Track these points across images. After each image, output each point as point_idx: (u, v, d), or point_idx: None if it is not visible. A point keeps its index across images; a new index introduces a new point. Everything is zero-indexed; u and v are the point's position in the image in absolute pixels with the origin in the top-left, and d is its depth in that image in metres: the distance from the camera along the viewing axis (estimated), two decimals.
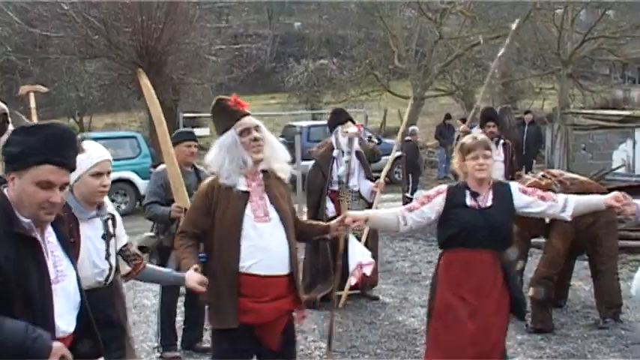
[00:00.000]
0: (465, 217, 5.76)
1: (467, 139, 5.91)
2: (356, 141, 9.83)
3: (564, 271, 9.56)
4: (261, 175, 5.31)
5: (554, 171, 9.89)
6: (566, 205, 5.73)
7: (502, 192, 5.85)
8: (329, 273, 9.61)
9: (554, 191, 8.68)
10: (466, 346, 5.62)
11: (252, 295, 5.11)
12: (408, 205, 6.02)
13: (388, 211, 6.09)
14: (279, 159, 5.40)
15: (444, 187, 6.00)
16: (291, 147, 21.69)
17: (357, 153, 10.01)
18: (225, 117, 5.36)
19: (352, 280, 7.14)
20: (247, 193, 5.20)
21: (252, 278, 5.09)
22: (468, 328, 5.62)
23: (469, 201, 5.79)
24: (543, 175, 9.22)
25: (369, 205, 9.81)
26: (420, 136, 25.75)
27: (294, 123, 28.55)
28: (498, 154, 11.20)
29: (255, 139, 5.22)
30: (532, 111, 28.77)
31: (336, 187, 10.06)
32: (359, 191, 10.07)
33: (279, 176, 5.45)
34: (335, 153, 10.10)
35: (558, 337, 8.70)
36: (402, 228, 5.90)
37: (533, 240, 10.01)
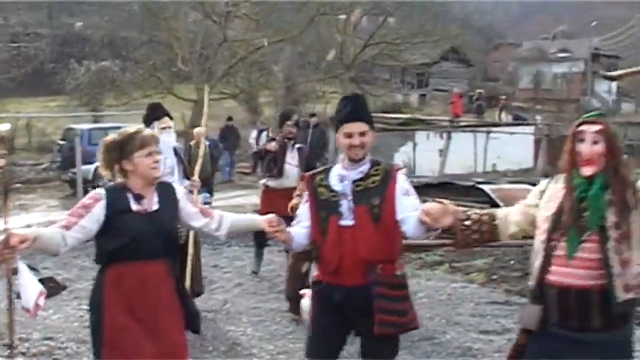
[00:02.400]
0: (132, 225, 4.97)
1: (136, 133, 5.12)
2: (172, 137, 9.44)
3: None
4: None
5: None
6: (221, 224, 5.34)
7: (168, 193, 5.24)
8: None
9: None
10: None
11: None
12: (64, 221, 4.97)
13: (53, 229, 4.99)
14: None
15: (100, 192, 5.07)
16: (71, 150, 21.20)
17: (175, 150, 9.55)
18: None
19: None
20: None
21: None
22: (148, 351, 4.92)
23: (134, 205, 5.04)
24: None
25: None
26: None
27: (75, 126, 27.60)
28: (293, 158, 11.13)
29: None
30: (317, 114, 29.07)
31: None
32: None
33: None
34: None
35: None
36: (62, 249, 4.90)
37: None
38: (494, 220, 4.66)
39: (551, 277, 4.20)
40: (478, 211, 4.86)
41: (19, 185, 25.74)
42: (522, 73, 71.40)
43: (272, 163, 11.33)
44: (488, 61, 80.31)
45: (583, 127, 4.23)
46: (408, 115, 35.16)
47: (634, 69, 4.75)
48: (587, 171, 4.17)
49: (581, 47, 76.60)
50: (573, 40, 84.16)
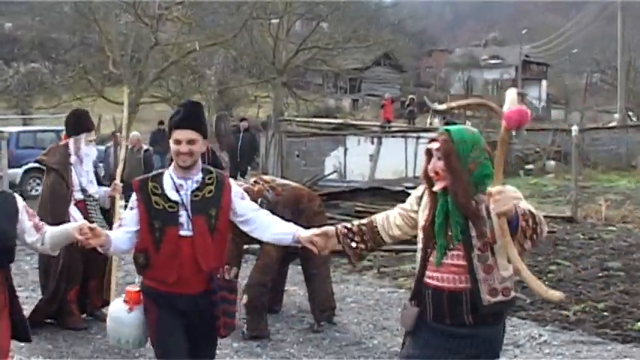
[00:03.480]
0: None
1: None
2: (95, 150, 9.38)
3: (279, 277, 9.58)
4: None
5: (266, 177, 9.86)
6: (44, 239, 5.15)
7: (6, 204, 5.11)
8: None
9: (266, 197, 8.71)
10: None
11: None
12: None
13: None
14: None
15: None
16: None
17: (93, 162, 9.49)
18: None
19: None
20: None
21: None
22: None
23: None
24: (255, 181, 9.19)
25: (108, 212, 9.35)
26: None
27: (3, 129, 27.19)
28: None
29: None
30: (247, 118, 29.04)
31: (81, 196, 9.17)
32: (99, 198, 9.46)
33: None
34: (72, 160, 9.19)
35: (274, 342, 8.69)
36: None
37: (247, 246, 9.95)
38: (375, 227, 4.84)
39: (428, 280, 4.51)
40: (355, 221, 4.97)
41: None
42: (454, 79, 72.22)
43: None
44: (420, 67, 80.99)
45: (432, 144, 4.43)
46: (340, 120, 35.19)
47: (463, 101, 4.89)
48: (437, 185, 4.39)
49: (512, 54, 77.83)
50: (505, 47, 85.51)
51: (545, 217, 4.60)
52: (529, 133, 31.04)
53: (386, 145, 26.62)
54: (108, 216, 9.29)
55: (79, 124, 9.34)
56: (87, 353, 8.37)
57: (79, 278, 9.22)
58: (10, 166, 14.88)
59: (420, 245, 4.57)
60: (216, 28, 38.94)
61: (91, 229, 4.92)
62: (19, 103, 42.42)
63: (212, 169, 5.42)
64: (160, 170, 5.49)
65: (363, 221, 4.92)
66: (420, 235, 4.56)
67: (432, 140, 4.44)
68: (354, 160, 26.62)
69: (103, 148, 19.85)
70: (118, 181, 9.43)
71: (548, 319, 9.50)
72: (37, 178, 20.44)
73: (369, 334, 9.06)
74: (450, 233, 4.37)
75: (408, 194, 15.62)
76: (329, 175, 24.86)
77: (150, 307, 5.30)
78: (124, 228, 5.27)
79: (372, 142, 26.89)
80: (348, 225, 4.91)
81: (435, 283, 4.45)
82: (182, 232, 5.16)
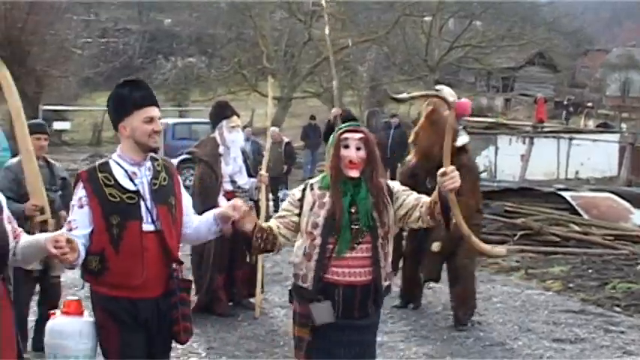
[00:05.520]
0: None
1: None
2: (241, 135, 9.55)
3: (415, 271, 9.57)
4: None
5: None
6: (17, 250, 4.25)
7: None
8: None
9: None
10: None
11: None
12: None
13: None
14: None
15: None
16: None
17: (242, 150, 9.60)
18: None
19: None
20: None
21: None
22: None
23: None
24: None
25: (256, 203, 9.46)
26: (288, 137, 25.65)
27: (161, 120, 28.09)
28: None
29: None
30: (398, 115, 29.00)
31: (230, 187, 9.28)
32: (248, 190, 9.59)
33: None
34: (221, 150, 9.31)
35: (418, 338, 8.71)
36: None
37: None
38: (273, 232, 4.71)
39: (335, 277, 4.58)
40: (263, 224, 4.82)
41: None
42: (610, 79, 70.28)
43: None
44: (575, 67, 79.17)
45: (347, 135, 4.64)
46: (492, 119, 34.82)
47: (419, 93, 4.92)
48: (352, 173, 4.58)
49: None
50: None
51: None
52: None
53: (538, 145, 26.22)
54: (256, 207, 9.30)
55: (218, 113, 9.52)
56: (233, 339, 8.56)
57: (226, 266, 9.42)
58: (166, 156, 15.31)
59: (316, 241, 4.58)
60: (369, 24, 39.10)
61: (69, 240, 4.07)
62: (176, 96, 43.59)
63: (156, 155, 4.87)
64: (103, 159, 4.83)
65: (266, 224, 4.78)
66: (317, 231, 4.58)
67: (349, 131, 4.65)
68: (505, 160, 26.35)
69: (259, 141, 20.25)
70: (264, 171, 9.45)
71: None
72: (192, 169, 20.92)
73: (514, 335, 8.96)
74: (357, 226, 4.55)
75: (559, 195, 15.38)
76: (480, 173, 24.67)
77: (106, 324, 4.66)
78: (77, 232, 4.53)
79: (524, 142, 26.54)
80: (265, 228, 4.69)
81: (347, 280, 4.57)
82: (145, 227, 4.61)
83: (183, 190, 4.91)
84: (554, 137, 27.71)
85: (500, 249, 5.01)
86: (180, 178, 4.99)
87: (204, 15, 47.66)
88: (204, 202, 8.86)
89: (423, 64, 38.58)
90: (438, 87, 4.76)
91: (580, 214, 15.89)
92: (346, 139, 4.62)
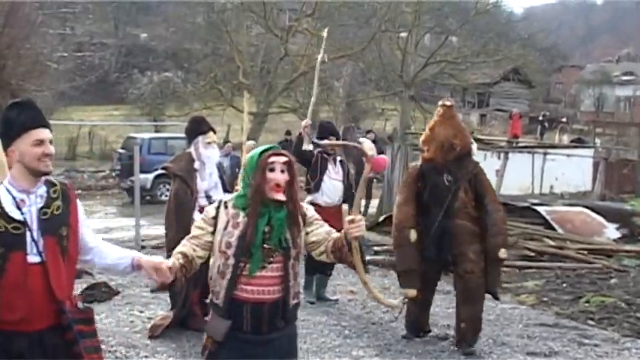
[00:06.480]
0: None
1: None
2: (217, 152, 9.52)
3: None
4: None
5: None
6: None
7: None
8: None
9: None
10: None
11: None
12: None
13: None
14: None
15: None
16: (131, 158, 21.55)
17: (217, 165, 9.56)
18: None
19: None
20: None
21: None
22: None
23: None
24: None
25: None
26: None
27: (135, 135, 28.05)
28: (337, 173, 10.91)
29: None
30: (373, 130, 29.11)
31: (205, 203, 8.99)
32: None
33: None
34: (197, 165, 9.28)
35: (393, 352, 8.72)
36: None
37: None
38: (189, 260, 4.70)
39: (244, 295, 4.62)
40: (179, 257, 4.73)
41: (79, 191, 26.16)
42: (584, 95, 70.79)
43: (309, 175, 11.08)
44: (550, 83, 79.71)
45: (273, 159, 4.69)
46: None
47: (337, 142, 5.26)
48: (279, 196, 4.64)
49: None
50: (639, 63, 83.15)
51: None
52: None
53: (512, 160, 26.30)
54: None
55: (194, 129, 9.48)
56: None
57: (201, 281, 9.38)
58: (142, 171, 15.33)
59: (230, 261, 4.61)
60: (345, 40, 39.19)
61: None
62: (152, 110, 43.55)
63: (55, 179, 4.66)
64: None
65: (178, 252, 4.71)
66: (230, 251, 4.61)
67: (275, 155, 4.70)
68: None
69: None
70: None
71: None
72: (167, 184, 20.99)
73: (489, 348, 8.99)
74: (268, 246, 4.61)
75: (534, 210, 15.48)
76: None
77: None
78: None
79: (499, 157, 26.64)
80: (182, 261, 4.67)
81: (256, 297, 4.62)
82: (30, 259, 4.35)
83: (82, 216, 4.66)
84: (528, 152, 27.84)
85: (394, 301, 5.53)
86: (79, 203, 4.70)
87: (181, 30, 47.58)
88: (180, 217, 8.96)
89: (398, 80, 38.59)
90: (360, 139, 4.93)
91: (554, 229, 16.00)
92: (272, 162, 4.68)
